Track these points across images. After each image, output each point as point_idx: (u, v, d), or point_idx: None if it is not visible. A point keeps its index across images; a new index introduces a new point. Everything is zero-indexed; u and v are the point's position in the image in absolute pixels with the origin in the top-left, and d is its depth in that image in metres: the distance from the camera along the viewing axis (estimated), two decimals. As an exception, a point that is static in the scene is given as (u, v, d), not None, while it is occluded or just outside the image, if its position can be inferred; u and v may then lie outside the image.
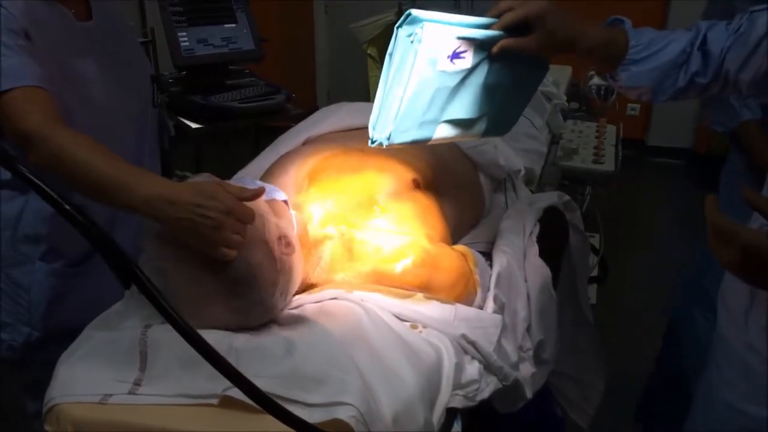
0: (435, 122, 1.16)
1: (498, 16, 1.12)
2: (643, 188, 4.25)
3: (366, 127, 1.53)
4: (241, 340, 1.00)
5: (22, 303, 1.38)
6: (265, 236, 1.07)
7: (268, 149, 1.59)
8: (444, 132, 1.19)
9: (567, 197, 1.64)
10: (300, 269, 1.15)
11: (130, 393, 0.94)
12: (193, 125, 2.63)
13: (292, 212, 1.19)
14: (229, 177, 1.54)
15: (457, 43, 1.08)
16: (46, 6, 1.25)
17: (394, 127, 1.10)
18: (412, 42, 1.01)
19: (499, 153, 1.64)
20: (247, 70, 2.96)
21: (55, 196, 0.67)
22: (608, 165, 2.11)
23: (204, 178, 1.11)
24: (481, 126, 1.25)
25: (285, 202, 1.20)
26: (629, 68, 1.14)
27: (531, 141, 1.96)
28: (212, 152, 3.14)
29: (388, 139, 1.11)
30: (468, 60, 1.11)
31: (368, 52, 4.05)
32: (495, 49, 1.12)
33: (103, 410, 0.92)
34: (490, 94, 1.19)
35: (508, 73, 1.19)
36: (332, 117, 1.59)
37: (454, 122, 1.19)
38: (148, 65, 1.54)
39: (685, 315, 1.99)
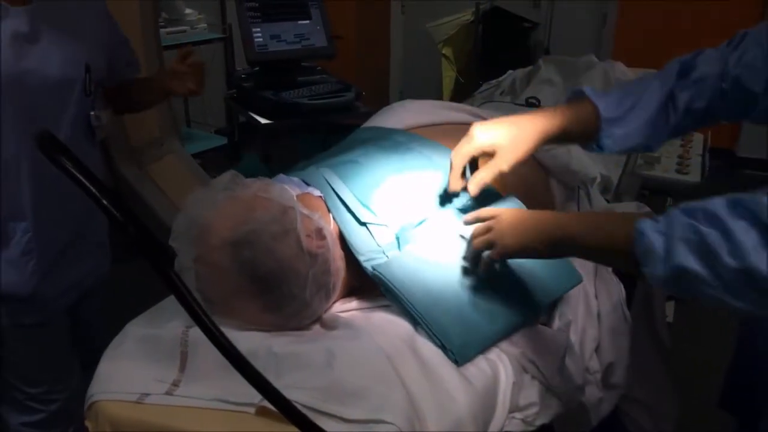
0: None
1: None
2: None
3: (427, 126, 1.48)
4: (281, 343, 0.95)
5: None
6: (293, 228, 1.01)
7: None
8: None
9: (647, 209, 1.53)
10: (339, 264, 1.09)
11: (167, 393, 0.91)
12: (263, 121, 2.64)
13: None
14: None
15: None
16: None
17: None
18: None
19: (573, 158, 1.54)
20: (319, 67, 2.95)
21: (95, 191, 0.63)
22: (693, 176, 1.97)
23: (228, 176, 1.08)
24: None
25: (320, 197, 1.15)
26: (612, 131, 1.07)
27: (609, 147, 1.85)
28: (281, 149, 3.13)
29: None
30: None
31: (443, 51, 4.01)
32: (474, 190, 1.11)
33: (139, 410, 0.89)
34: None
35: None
36: (393, 117, 1.53)
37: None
38: (82, 52, 1.40)
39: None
